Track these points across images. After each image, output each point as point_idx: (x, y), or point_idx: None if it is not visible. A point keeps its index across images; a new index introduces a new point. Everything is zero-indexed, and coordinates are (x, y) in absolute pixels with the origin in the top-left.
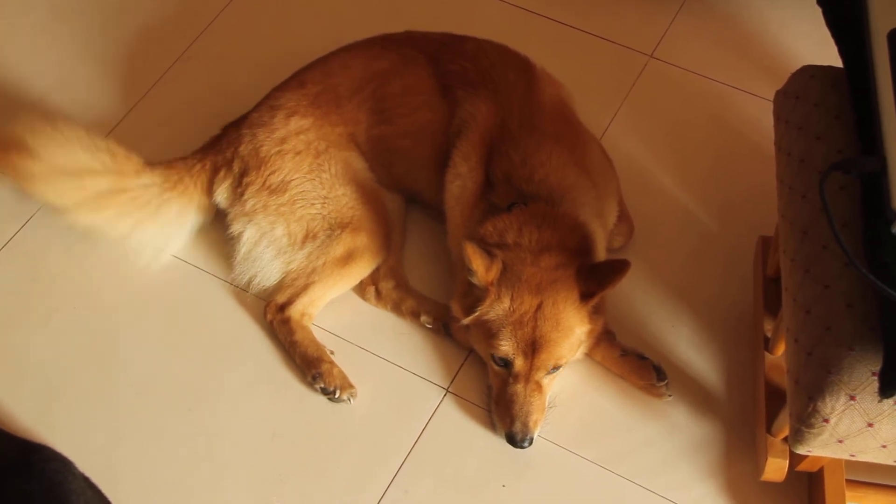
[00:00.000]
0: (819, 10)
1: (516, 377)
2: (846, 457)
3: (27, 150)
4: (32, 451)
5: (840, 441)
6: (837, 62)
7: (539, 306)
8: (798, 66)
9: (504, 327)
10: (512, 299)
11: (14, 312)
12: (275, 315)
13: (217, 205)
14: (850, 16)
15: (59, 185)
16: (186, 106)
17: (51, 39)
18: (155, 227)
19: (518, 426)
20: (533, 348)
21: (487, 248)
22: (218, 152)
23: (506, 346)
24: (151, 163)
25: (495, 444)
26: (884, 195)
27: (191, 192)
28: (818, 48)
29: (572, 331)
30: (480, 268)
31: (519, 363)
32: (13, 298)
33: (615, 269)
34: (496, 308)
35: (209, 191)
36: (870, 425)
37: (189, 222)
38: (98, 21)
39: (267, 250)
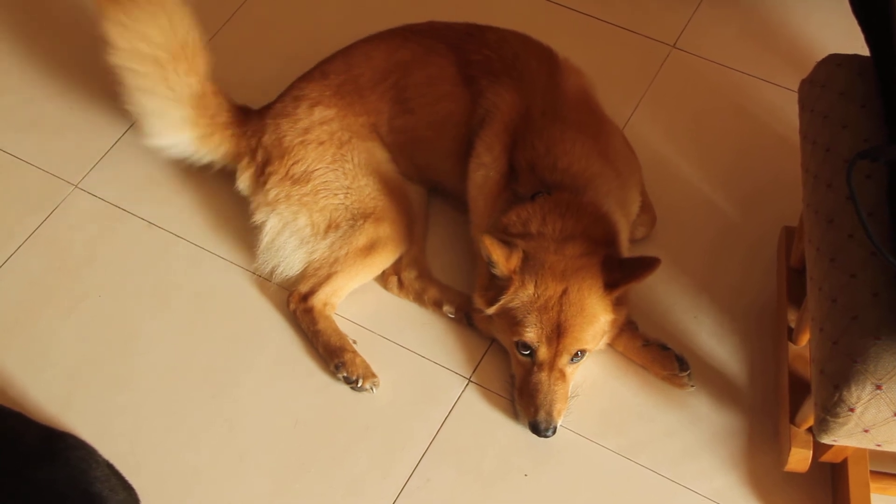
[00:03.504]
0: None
1: (541, 365)
2: (872, 446)
3: None
4: (56, 438)
5: (866, 430)
6: (862, 52)
7: (564, 292)
8: (821, 55)
9: (529, 314)
10: (536, 285)
11: (39, 301)
12: (298, 304)
13: (239, 192)
14: (877, 4)
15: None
16: None
17: (67, 40)
18: (157, 106)
19: (542, 415)
20: (557, 333)
21: (506, 239)
22: (242, 133)
23: (531, 333)
24: (212, 85)
25: (517, 433)
26: None
27: (202, 124)
28: (842, 38)
29: (596, 318)
30: (501, 258)
31: (543, 350)
32: (38, 287)
33: (644, 264)
34: (520, 295)
35: (214, 143)
36: None
37: (180, 137)
38: None
39: (290, 240)
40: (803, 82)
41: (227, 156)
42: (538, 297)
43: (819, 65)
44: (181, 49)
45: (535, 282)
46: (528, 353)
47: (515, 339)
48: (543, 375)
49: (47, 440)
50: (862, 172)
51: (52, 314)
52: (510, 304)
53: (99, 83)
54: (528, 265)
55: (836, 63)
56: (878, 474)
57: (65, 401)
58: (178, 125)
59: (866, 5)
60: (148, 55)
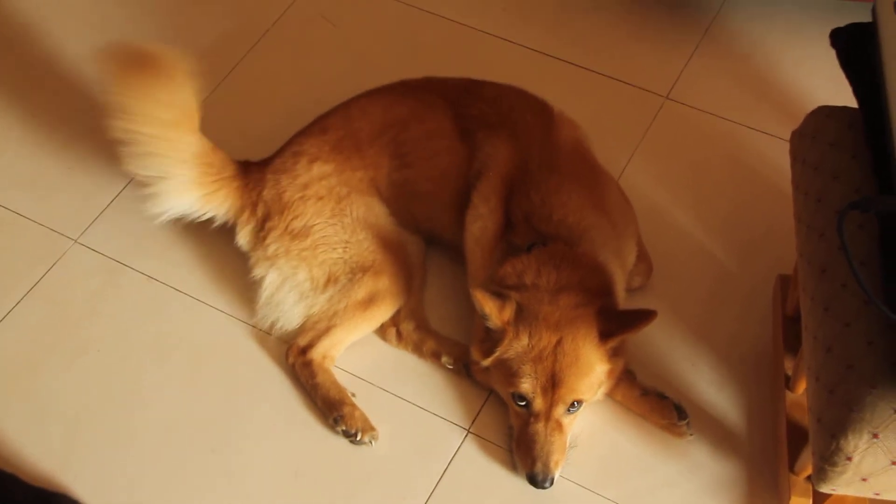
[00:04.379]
0: (833, 51)
1: (537, 416)
2: (870, 495)
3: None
4: (50, 499)
5: (864, 479)
6: (852, 101)
7: (559, 342)
8: (813, 105)
9: (524, 364)
10: (530, 336)
11: (38, 355)
12: (297, 358)
13: (239, 247)
14: (864, 57)
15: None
16: None
17: (75, 88)
18: (160, 167)
19: (539, 466)
20: (552, 384)
21: (499, 290)
22: (245, 186)
23: (526, 384)
24: (212, 146)
25: (517, 485)
26: None
27: (207, 182)
28: (833, 87)
29: (592, 368)
30: (493, 311)
31: (538, 401)
32: (38, 342)
33: (640, 316)
34: (515, 346)
35: (220, 200)
36: (894, 463)
37: (185, 198)
38: None
39: (289, 295)
40: (794, 134)
41: (231, 209)
42: (532, 347)
43: (809, 116)
44: (183, 109)
45: (530, 333)
46: (523, 403)
47: (511, 390)
48: (540, 426)
49: (41, 501)
50: (854, 223)
51: (52, 368)
52: (505, 356)
53: (98, 139)
54: (523, 316)
55: (826, 114)
56: None
57: (63, 456)
58: (187, 186)
59: (853, 59)
60: (156, 118)
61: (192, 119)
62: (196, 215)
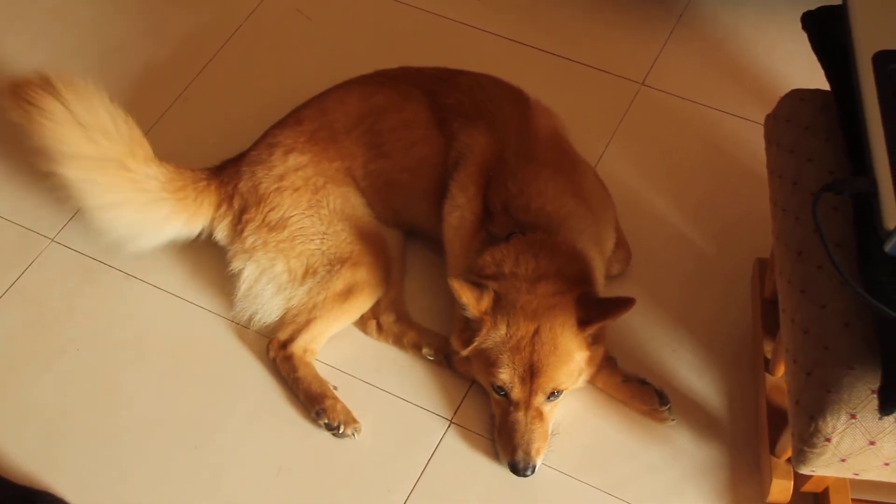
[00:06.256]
0: (805, 34)
1: (516, 405)
2: (849, 476)
3: (53, 89)
4: (34, 498)
5: (843, 460)
6: (825, 84)
7: (536, 331)
8: (787, 88)
9: (502, 354)
10: (508, 326)
11: (17, 356)
12: (277, 352)
13: (217, 241)
14: (835, 40)
15: (69, 131)
16: (185, 146)
17: None
18: (138, 216)
19: (520, 454)
20: (531, 373)
21: (477, 280)
22: (221, 183)
23: (504, 374)
24: (164, 162)
25: (501, 473)
26: (875, 215)
27: (188, 203)
28: (806, 70)
29: (571, 356)
30: (471, 300)
31: (517, 390)
32: (16, 342)
33: (618, 303)
34: (493, 336)
35: (204, 212)
36: (871, 443)
37: (173, 230)
38: (95, 66)
39: (267, 287)
40: (768, 117)
41: (211, 211)
42: (510, 337)
43: (783, 100)
44: (130, 138)
45: (507, 322)
46: (503, 393)
47: (490, 379)
48: (520, 415)
49: (25, 500)
50: (829, 205)
51: (32, 368)
52: (483, 345)
53: None
54: (500, 306)
55: (800, 98)
56: (859, 502)
57: (45, 456)
58: (169, 220)
59: (824, 43)
60: (105, 158)
61: (140, 145)
62: (188, 235)
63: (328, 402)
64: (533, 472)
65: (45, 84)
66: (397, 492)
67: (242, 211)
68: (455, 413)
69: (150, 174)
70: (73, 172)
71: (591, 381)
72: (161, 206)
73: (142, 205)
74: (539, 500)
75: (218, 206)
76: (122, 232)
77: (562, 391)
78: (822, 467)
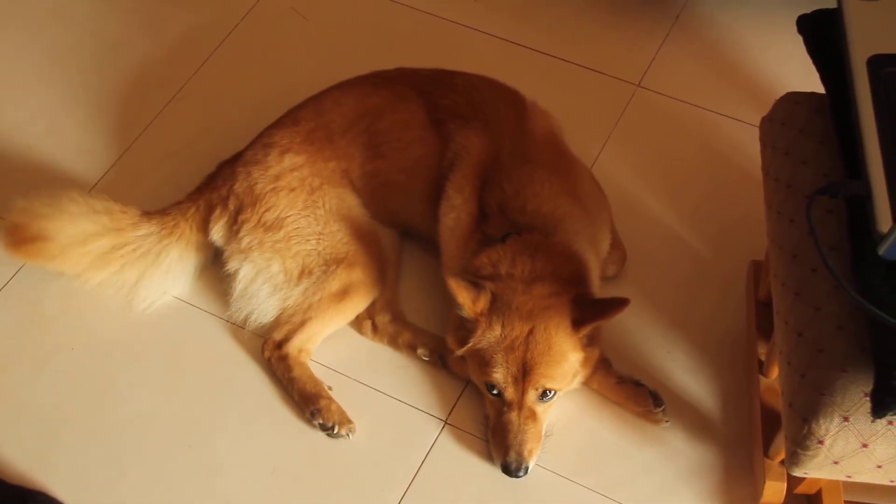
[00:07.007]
0: (801, 37)
1: (510, 405)
2: (842, 478)
3: (42, 234)
4: (27, 498)
5: (836, 462)
6: (820, 87)
7: (530, 332)
8: (782, 90)
9: (495, 354)
10: (503, 326)
11: (11, 356)
12: (272, 352)
13: (213, 243)
14: (831, 43)
15: (70, 257)
16: (181, 146)
17: (45, 83)
18: (159, 273)
19: (513, 455)
20: (524, 373)
21: (474, 281)
22: (213, 190)
23: (497, 373)
24: (148, 212)
25: (495, 474)
26: (869, 218)
27: (188, 235)
28: (801, 72)
29: (565, 356)
30: (467, 300)
31: (510, 390)
32: (10, 342)
33: (613, 304)
34: (487, 336)
35: (205, 229)
36: (864, 446)
37: (191, 264)
38: (91, 64)
39: (263, 287)
40: (763, 120)
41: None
42: (505, 337)
43: (778, 102)
44: (111, 218)
45: (502, 322)
46: (496, 393)
47: (484, 379)
48: (513, 415)
49: (19, 500)
50: (823, 208)
51: (26, 367)
52: (478, 345)
53: (69, 133)
54: (496, 306)
55: (795, 101)
56: None
57: (39, 456)
58: (182, 257)
59: (820, 46)
60: (103, 253)
61: (123, 214)
62: (207, 258)
63: (323, 403)
64: (525, 473)
65: (36, 233)
66: (392, 492)
67: (238, 211)
68: (450, 414)
69: (144, 234)
70: (90, 278)
71: (586, 383)
72: (168, 252)
73: (154, 263)
74: (533, 501)
75: (212, 208)
76: (159, 291)
77: (555, 391)
78: (815, 469)
